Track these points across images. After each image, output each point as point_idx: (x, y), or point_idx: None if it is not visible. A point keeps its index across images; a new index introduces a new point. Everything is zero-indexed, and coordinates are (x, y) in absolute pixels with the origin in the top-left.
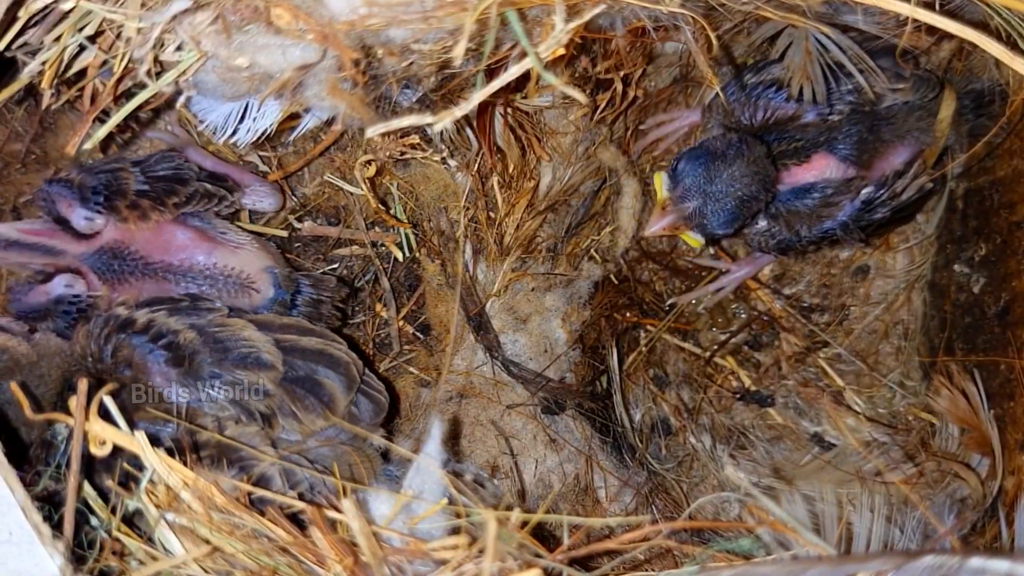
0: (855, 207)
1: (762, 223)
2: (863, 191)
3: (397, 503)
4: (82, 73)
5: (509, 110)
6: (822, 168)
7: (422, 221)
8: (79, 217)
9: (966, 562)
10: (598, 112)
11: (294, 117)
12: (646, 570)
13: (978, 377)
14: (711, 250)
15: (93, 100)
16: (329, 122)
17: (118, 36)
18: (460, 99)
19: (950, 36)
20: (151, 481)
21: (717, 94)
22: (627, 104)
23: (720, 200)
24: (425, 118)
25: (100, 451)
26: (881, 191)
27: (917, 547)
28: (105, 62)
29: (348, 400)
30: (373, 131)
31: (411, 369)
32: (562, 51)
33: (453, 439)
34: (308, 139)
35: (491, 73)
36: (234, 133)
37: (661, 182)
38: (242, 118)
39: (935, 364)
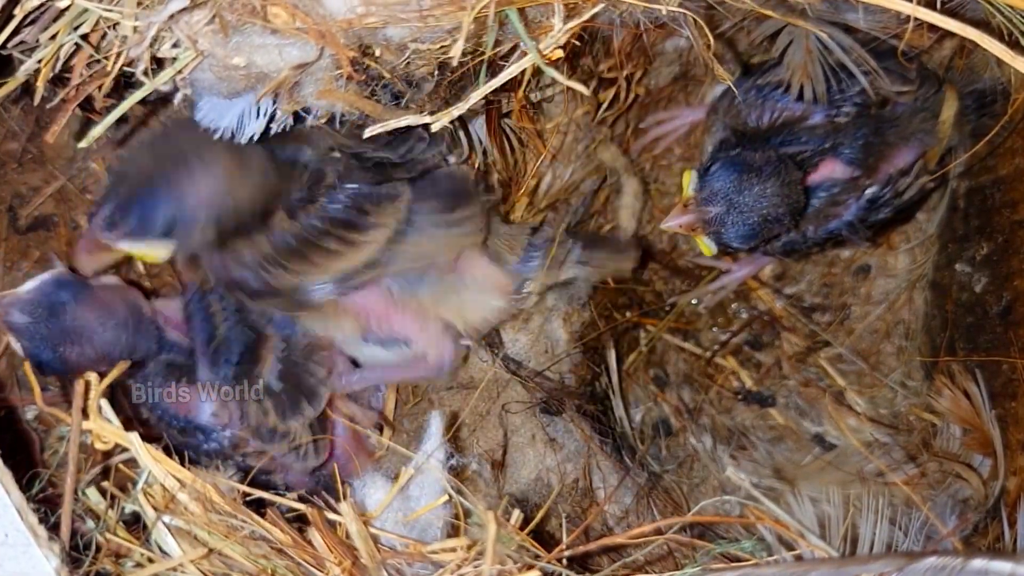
0: (860, 206)
1: None
2: (868, 191)
3: (390, 494)
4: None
5: (508, 108)
6: (828, 173)
7: None
8: None
9: (968, 563)
10: (600, 111)
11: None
12: (647, 571)
13: (980, 377)
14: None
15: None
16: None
17: (114, 28)
18: (459, 97)
19: (951, 35)
20: (147, 482)
21: (721, 94)
22: (629, 103)
23: (744, 213)
24: (423, 117)
25: (102, 447)
26: (886, 190)
27: (919, 548)
28: (99, 61)
29: None
30: (371, 131)
31: None
32: (560, 53)
33: (456, 431)
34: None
35: (491, 71)
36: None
37: (689, 179)
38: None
39: (937, 364)
